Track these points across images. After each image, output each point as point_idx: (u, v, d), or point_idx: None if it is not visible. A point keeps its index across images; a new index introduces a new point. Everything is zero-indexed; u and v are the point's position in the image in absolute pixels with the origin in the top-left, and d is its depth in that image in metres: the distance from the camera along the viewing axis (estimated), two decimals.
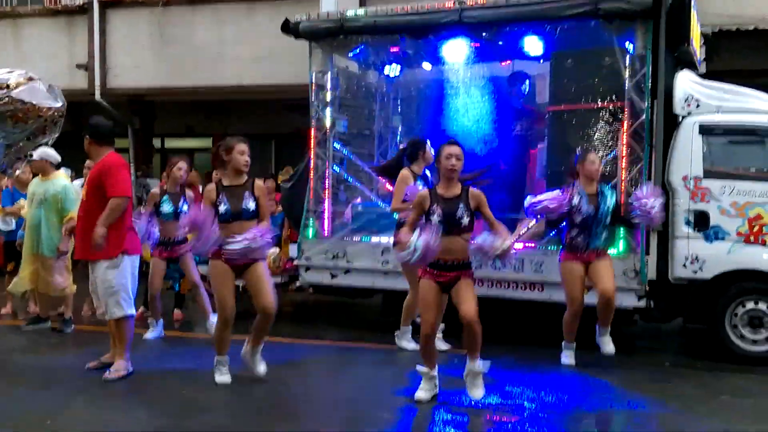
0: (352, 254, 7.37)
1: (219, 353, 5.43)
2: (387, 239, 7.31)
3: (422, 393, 5.02)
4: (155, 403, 4.99)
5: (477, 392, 4.97)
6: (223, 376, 5.40)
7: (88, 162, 8.00)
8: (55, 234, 7.00)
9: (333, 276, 7.48)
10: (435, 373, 5.07)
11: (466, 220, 4.81)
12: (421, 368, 5.06)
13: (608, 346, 6.04)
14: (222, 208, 5.23)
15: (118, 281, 5.48)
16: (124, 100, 13.63)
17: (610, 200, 6.01)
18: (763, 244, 6.16)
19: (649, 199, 5.86)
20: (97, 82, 13.21)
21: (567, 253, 6.05)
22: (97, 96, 13.17)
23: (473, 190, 4.89)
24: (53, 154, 7.12)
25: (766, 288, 6.18)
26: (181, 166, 7.09)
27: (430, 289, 4.92)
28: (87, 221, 5.49)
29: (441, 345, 6.41)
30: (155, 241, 6.84)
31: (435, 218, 4.80)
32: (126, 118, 13.72)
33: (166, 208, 6.98)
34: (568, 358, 6.11)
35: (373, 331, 7.35)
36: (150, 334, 6.95)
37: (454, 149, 4.89)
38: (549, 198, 6.01)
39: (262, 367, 5.46)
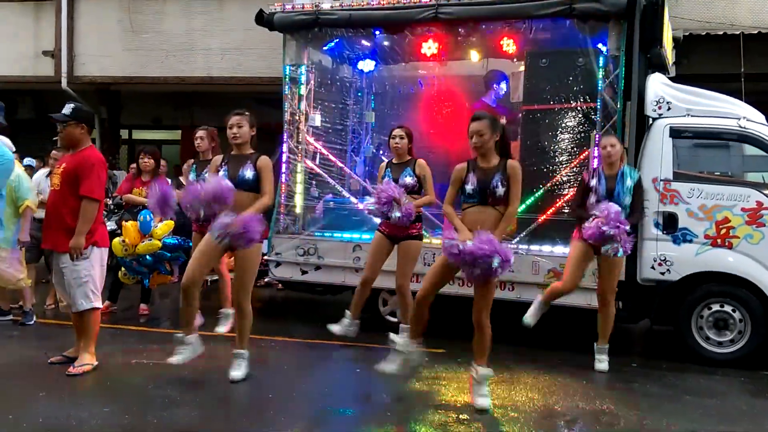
0: (323, 250, 7.32)
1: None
2: (358, 235, 7.29)
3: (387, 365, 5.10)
4: (121, 399, 4.88)
5: (479, 401, 4.84)
6: (176, 356, 5.30)
7: (54, 152, 7.84)
8: (10, 225, 6.78)
9: (303, 272, 7.42)
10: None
11: (501, 190, 4.72)
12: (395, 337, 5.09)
13: (601, 363, 5.98)
14: (221, 173, 5.22)
15: (86, 272, 5.36)
16: (90, 89, 13.39)
17: (630, 182, 5.89)
18: (730, 247, 6.25)
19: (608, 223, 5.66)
20: (64, 70, 12.98)
21: (578, 231, 5.94)
22: (63, 84, 12.93)
23: (513, 162, 4.80)
24: (7, 142, 6.93)
25: (732, 291, 6.27)
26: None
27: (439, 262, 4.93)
28: (56, 211, 5.37)
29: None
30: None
31: (469, 187, 4.78)
32: (92, 108, 13.45)
33: (191, 176, 6.74)
34: (602, 363, 6.01)
35: None
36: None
37: (473, 127, 4.79)
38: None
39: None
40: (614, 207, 5.69)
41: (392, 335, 5.34)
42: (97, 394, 5.03)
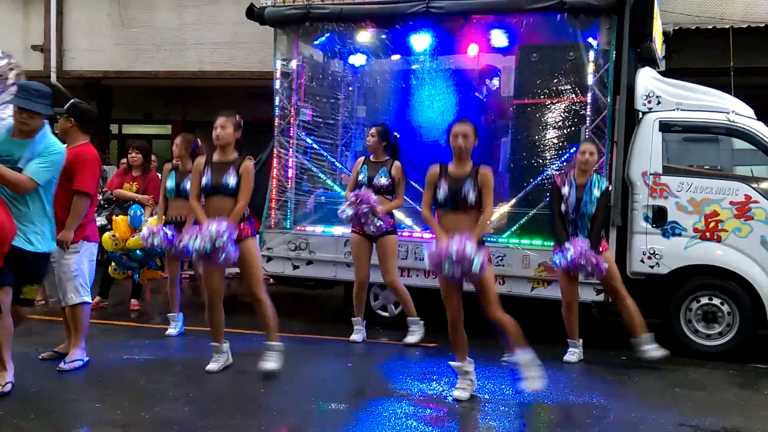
0: (314, 245, 7.32)
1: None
2: (349, 230, 7.28)
3: (459, 391, 4.94)
4: (111, 394, 4.88)
5: (531, 384, 4.80)
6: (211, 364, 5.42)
7: None
8: None
9: (295, 267, 7.42)
10: (469, 367, 5.00)
11: (472, 197, 4.73)
12: (454, 363, 4.98)
13: (653, 351, 5.96)
14: (204, 180, 5.23)
15: (76, 266, 5.35)
16: (80, 83, 13.31)
17: (597, 192, 5.92)
18: (719, 240, 6.29)
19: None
20: (53, 65, 12.90)
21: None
22: (53, 79, 12.85)
23: (485, 170, 4.81)
24: None
25: (720, 284, 6.31)
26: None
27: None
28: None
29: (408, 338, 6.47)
30: None
31: (441, 194, 4.80)
32: None
33: (169, 183, 6.73)
34: (571, 355, 6.09)
35: (335, 323, 7.32)
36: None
37: (460, 128, 4.83)
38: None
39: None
40: (583, 245, 5.75)
41: (452, 363, 5.09)
42: (88, 390, 5.03)
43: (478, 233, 4.70)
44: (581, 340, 6.19)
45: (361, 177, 6.48)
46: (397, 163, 6.45)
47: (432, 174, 4.92)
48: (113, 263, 7.38)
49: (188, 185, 6.52)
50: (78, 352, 5.44)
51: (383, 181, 6.36)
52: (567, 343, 6.16)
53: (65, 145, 5.49)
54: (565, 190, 5.96)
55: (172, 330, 6.68)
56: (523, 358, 4.83)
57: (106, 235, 7.12)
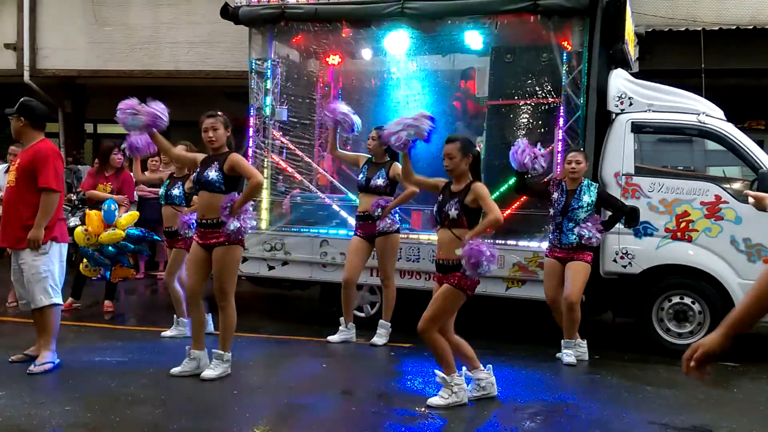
0: (290, 246, 7.30)
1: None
2: (325, 230, 7.29)
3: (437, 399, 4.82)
4: (82, 397, 4.82)
5: (433, 400, 4.81)
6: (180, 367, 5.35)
7: (13, 147, 7.71)
8: None
9: (270, 267, 7.39)
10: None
11: (454, 214, 4.69)
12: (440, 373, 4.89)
13: (568, 357, 6.05)
14: (193, 176, 5.27)
15: (45, 268, 5.29)
16: (54, 82, 13.16)
17: (587, 198, 6.00)
18: (690, 240, 6.37)
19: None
20: (26, 63, 12.74)
21: (547, 249, 6.23)
22: (26, 77, 12.70)
23: (475, 184, 4.74)
24: None
25: (692, 283, 6.40)
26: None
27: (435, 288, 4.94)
28: (14, 208, 5.31)
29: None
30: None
31: (434, 209, 4.88)
32: (56, 102, 13.25)
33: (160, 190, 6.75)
34: (567, 356, 6.08)
35: (310, 324, 7.31)
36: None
37: (445, 148, 4.80)
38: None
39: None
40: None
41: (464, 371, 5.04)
42: (58, 393, 4.97)
43: (479, 231, 4.70)
44: (578, 340, 6.19)
45: (360, 177, 6.56)
46: (396, 164, 6.38)
47: (440, 182, 4.95)
48: (85, 260, 7.28)
49: (175, 192, 6.60)
50: (48, 354, 5.38)
51: (380, 182, 6.42)
52: (541, 342, 6.20)
53: (21, 145, 5.44)
54: (555, 195, 6.06)
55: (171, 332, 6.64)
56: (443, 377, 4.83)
57: (79, 229, 7.07)
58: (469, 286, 4.74)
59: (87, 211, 7.30)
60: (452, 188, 4.84)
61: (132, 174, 7.75)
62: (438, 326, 4.79)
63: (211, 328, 6.55)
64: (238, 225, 5.14)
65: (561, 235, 6.03)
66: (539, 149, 5.89)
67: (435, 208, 4.87)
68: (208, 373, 5.23)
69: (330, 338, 6.54)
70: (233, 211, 5.12)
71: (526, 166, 5.83)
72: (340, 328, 6.59)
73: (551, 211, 6.11)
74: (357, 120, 6.55)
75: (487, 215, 4.68)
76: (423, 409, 4.74)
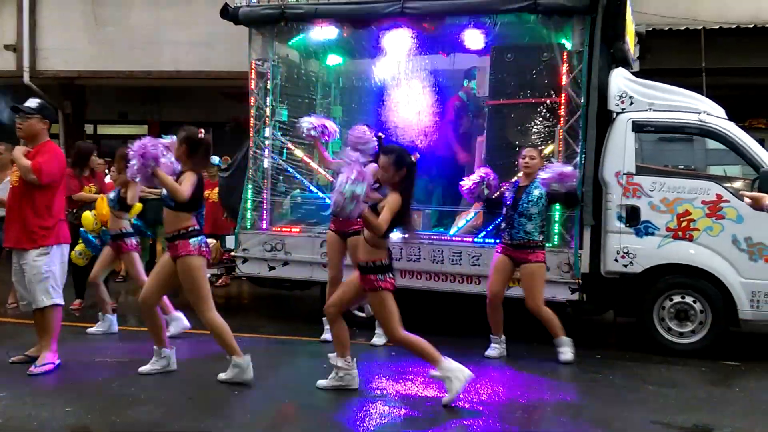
0: (290, 246, 7.29)
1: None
2: (325, 231, 7.26)
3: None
4: (83, 398, 4.82)
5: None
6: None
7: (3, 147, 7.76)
8: None
9: (271, 268, 7.38)
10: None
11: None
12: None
13: (564, 354, 6.05)
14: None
15: (47, 268, 5.30)
16: (54, 83, 13.16)
17: (537, 192, 6.05)
18: (691, 239, 6.36)
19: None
20: (26, 64, 12.74)
21: (498, 244, 6.30)
22: (26, 78, 12.70)
23: (391, 194, 4.83)
24: None
25: (693, 282, 6.38)
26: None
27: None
28: (18, 208, 5.32)
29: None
30: None
31: None
32: (56, 103, 13.24)
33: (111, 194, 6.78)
34: (492, 350, 6.18)
35: (311, 324, 7.29)
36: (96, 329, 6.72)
37: (381, 161, 4.90)
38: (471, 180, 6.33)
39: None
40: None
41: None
42: (59, 394, 4.95)
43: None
44: (504, 337, 6.25)
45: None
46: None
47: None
48: (79, 246, 7.31)
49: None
50: (49, 355, 5.37)
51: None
52: (542, 341, 6.19)
53: (28, 145, 5.45)
54: (507, 194, 6.21)
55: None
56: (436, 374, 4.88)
57: (88, 213, 7.14)
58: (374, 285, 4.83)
59: (100, 198, 7.36)
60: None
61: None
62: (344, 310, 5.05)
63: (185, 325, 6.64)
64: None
65: (512, 230, 6.08)
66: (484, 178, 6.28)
67: None
68: (224, 375, 5.23)
69: (324, 337, 6.51)
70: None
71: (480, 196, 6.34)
72: (327, 327, 6.56)
73: (504, 209, 6.22)
74: (330, 124, 6.62)
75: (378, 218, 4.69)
76: (426, 409, 4.73)
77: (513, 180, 6.38)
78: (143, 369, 5.33)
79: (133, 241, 6.79)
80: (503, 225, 6.25)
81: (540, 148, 6.52)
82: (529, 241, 6.05)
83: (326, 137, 6.64)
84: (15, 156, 5.29)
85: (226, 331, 5.17)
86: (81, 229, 7.14)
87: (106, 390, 5.02)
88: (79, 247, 7.32)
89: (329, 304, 5.17)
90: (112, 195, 6.75)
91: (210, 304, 5.17)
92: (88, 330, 6.69)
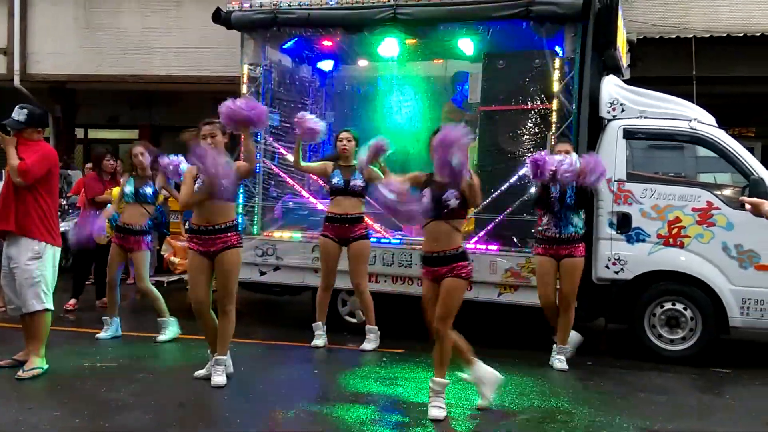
0: (282, 251, 7.27)
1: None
2: (317, 235, 7.25)
3: (434, 410, 4.71)
4: (72, 403, 4.78)
5: (436, 413, 4.70)
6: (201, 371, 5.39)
7: None
8: None
9: (262, 273, 7.35)
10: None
11: (454, 203, 4.63)
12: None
13: (561, 362, 6.07)
14: (197, 184, 5.18)
15: (39, 272, 5.26)
16: (44, 87, 13.11)
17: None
18: (681, 246, 6.37)
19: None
20: (17, 68, 12.70)
21: (538, 246, 6.19)
22: (16, 82, 12.66)
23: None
24: None
25: (683, 289, 6.40)
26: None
27: (425, 286, 4.89)
28: (7, 201, 5.28)
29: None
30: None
31: (425, 201, 4.73)
32: (46, 107, 13.16)
33: (128, 188, 6.76)
34: (557, 362, 6.09)
35: (302, 329, 7.26)
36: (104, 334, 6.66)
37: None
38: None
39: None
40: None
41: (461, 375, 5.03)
42: (47, 399, 4.92)
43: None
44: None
45: (335, 181, 6.48)
46: (369, 168, 6.43)
47: (419, 176, 4.90)
48: (108, 225, 7.32)
49: (147, 190, 6.68)
50: (37, 360, 5.33)
51: (359, 183, 6.43)
52: (533, 347, 6.18)
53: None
54: (553, 189, 6.08)
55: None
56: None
57: (117, 188, 7.27)
58: (470, 271, 4.75)
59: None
60: (439, 180, 4.72)
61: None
62: (451, 323, 4.75)
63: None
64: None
65: (561, 224, 6.04)
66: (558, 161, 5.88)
67: (428, 200, 4.71)
68: (219, 380, 5.20)
69: (314, 343, 6.52)
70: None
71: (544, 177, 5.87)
72: (317, 332, 6.59)
73: (550, 205, 6.10)
74: (323, 128, 6.57)
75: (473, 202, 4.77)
76: (418, 415, 4.72)
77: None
78: (217, 381, 5.21)
79: (149, 239, 6.79)
80: (545, 222, 6.13)
81: (570, 138, 6.37)
82: (576, 234, 6.03)
83: (314, 141, 6.69)
84: (7, 152, 5.23)
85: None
86: (109, 207, 7.21)
87: (94, 395, 4.97)
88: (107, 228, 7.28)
89: (437, 323, 4.72)
90: (128, 189, 6.71)
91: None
92: (97, 335, 6.62)
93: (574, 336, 6.26)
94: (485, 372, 4.91)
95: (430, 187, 4.76)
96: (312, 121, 6.42)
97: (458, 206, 4.67)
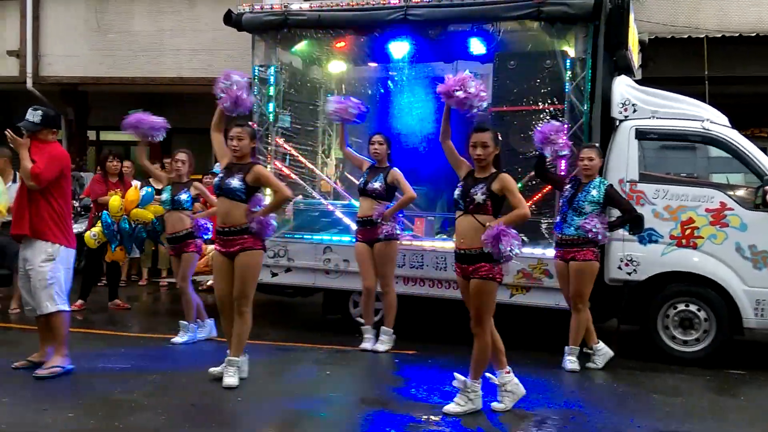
0: (293, 252, 7.28)
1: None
2: (329, 237, 7.27)
3: (453, 406, 4.80)
4: (85, 404, 4.81)
5: (449, 407, 4.79)
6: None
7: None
8: None
9: (273, 274, 7.36)
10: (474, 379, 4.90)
11: (480, 198, 4.64)
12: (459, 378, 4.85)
13: (572, 363, 6.05)
14: (215, 180, 5.36)
15: (52, 274, 5.29)
16: (57, 89, 13.17)
17: (596, 192, 6.01)
18: (695, 247, 6.34)
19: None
20: (29, 70, 12.77)
21: (557, 249, 6.23)
22: (29, 84, 12.72)
23: (502, 175, 4.74)
24: None
25: (697, 290, 6.36)
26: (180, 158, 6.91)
27: (459, 283, 4.96)
28: (24, 204, 5.31)
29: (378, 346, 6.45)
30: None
31: (456, 192, 4.79)
32: (59, 109, 13.23)
33: (164, 195, 6.79)
34: (569, 363, 6.08)
35: (313, 331, 7.28)
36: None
37: (480, 136, 4.74)
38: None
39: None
40: None
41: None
42: (62, 399, 4.94)
43: (502, 219, 4.66)
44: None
45: (359, 181, 6.67)
46: (393, 170, 6.54)
47: (466, 166, 4.91)
48: (95, 228, 7.43)
49: (183, 197, 6.66)
50: (60, 359, 5.37)
51: (376, 185, 6.48)
52: (546, 349, 6.16)
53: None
54: (567, 186, 6.13)
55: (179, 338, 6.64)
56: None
57: (116, 196, 7.36)
58: (497, 273, 4.71)
59: (133, 185, 7.60)
60: (476, 175, 4.81)
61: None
62: (489, 323, 4.78)
63: (214, 332, 6.58)
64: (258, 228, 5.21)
65: (564, 226, 6.07)
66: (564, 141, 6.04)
67: (458, 193, 4.77)
68: (231, 381, 5.20)
69: (362, 346, 6.50)
70: (260, 214, 5.21)
71: (545, 149, 6.04)
72: (366, 336, 6.57)
73: (560, 203, 6.20)
74: (361, 108, 6.75)
75: (515, 208, 4.69)
76: (430, 417, 4.71)
77: (575, 174, 6.28)
78: (228, 382, 5.19)
79: (199, 241, 6.74)
80: (556, 221, 6.23)
81: (598, 146, 6.34)
82: (578, 237, 6.01)
83: (350, 117, 6.75)
84: (20, 154, 5.26)
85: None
86: (104, 211, 7.30)
87: (108, 396, 4.99)
88: (96, 228, 7.36)
89: (471, 324, 4.79)
90: (164, 196, 6.73)
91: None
92: (173, 340, 6.57)
93: (604, 349, 6.23)
94: (513, 382, 4.94)
95: (466, 179, 4.81)
96: (335, 102, 6.70)
97: (484, 202, 4.66)
